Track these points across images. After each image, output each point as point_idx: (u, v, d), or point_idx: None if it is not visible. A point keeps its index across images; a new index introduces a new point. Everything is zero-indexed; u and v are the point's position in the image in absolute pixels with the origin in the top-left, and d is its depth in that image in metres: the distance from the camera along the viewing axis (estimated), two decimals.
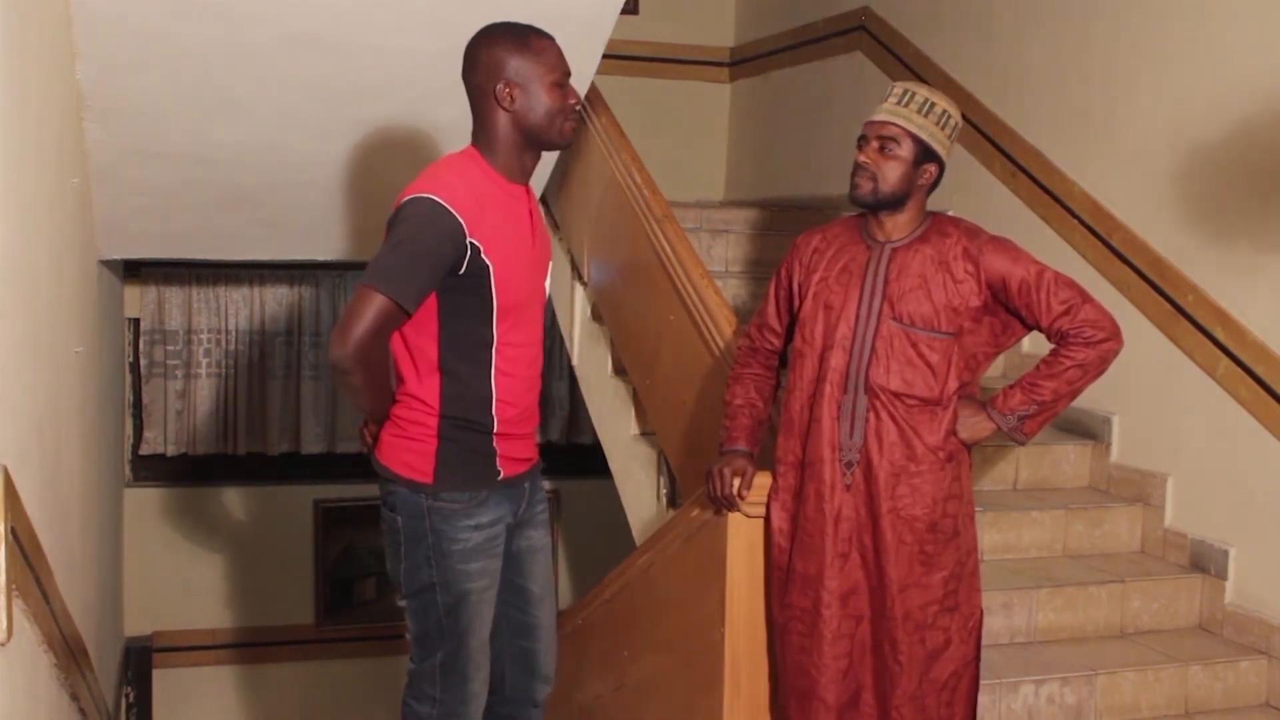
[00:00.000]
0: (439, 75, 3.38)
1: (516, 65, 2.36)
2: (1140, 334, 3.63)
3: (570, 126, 2.44)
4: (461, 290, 2.34)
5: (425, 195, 2.29)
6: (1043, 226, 4.04)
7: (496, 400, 2.43)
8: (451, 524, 2.41)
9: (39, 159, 2.29)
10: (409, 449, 2.42)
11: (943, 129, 2.56)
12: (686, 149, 6.20)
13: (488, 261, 2.32)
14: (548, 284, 2.60)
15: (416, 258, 2.28)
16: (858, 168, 2.59)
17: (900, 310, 2.55)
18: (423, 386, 2.40)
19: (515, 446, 2.50)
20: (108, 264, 4.46)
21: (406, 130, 3.63)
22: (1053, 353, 2.61)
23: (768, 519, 2.74)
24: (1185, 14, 3.59)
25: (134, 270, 5.75)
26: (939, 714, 2.58)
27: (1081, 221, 3.91)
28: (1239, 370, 3.33)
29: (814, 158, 5.56)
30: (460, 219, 2.28)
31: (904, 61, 4.87)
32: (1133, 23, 3.78)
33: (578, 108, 2.45)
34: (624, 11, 3.38)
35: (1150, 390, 3.64)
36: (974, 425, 2.60)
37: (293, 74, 3.24)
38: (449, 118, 3.57)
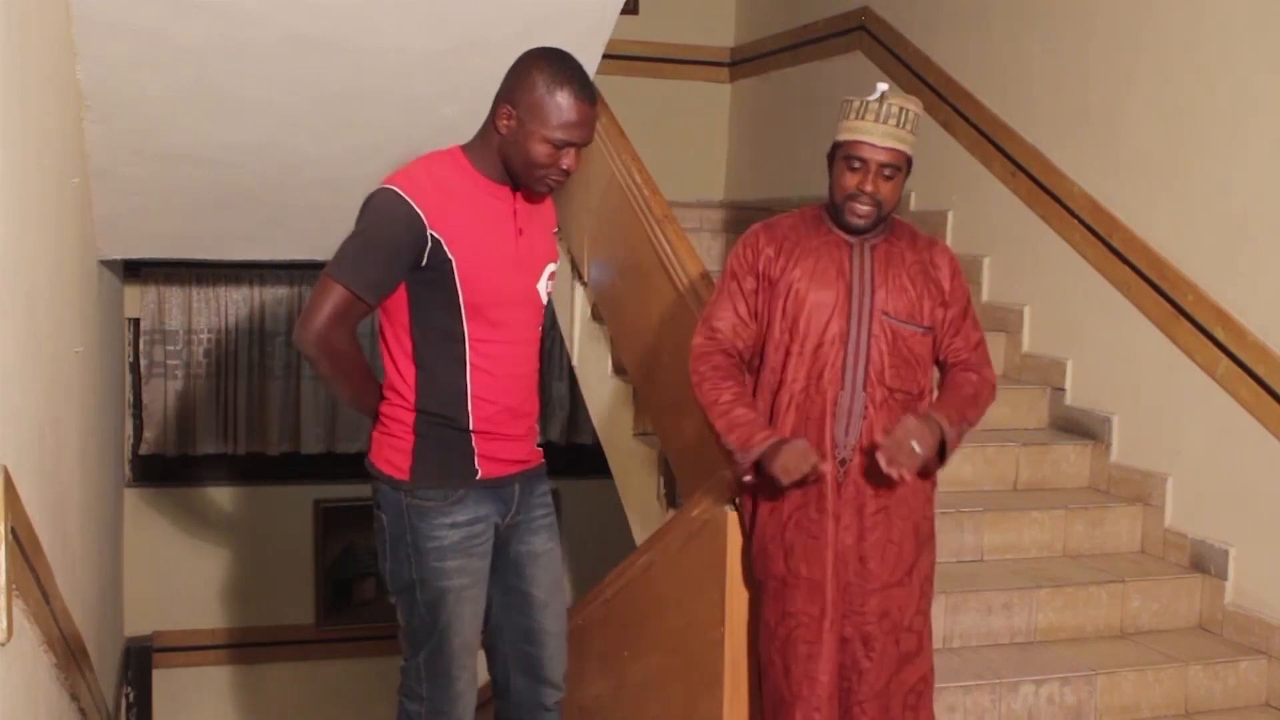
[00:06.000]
0: (439, 75, 3.38)
1: (530, 102, 2.26)
2: (1140, 334, 3.63)
3: (549, 185, 2.35)
4: (427, 283, 2.32)
5: (387, 186, 2.30)
6: (1043, 226, 4.04)
7: (472, 396, 2.38)
8: (427, 521, 2.38)
9: (39, 159, 2.29)
10: (389, 445, 2.41)
11: (917, 132, 2.49)
12: (686, 149, 6.20)
13: (451, 256, 2.29)
14: (544, 285, 2.49)
15: (372, 247, 2.29)
16: (861, 195, 2.47)
17: (890, 305, 2.53)
18: (401, 379, 2.38)
19: (499, 446, 2.44)
20: (108, 264, 4.46)
21: (406, 130, 3.63)
22: (959, 377, 2.57)
23: (751, 526, 2.65)
24: (1185, 14, 3.59)
25: (134, 270, 5.76)
26: (903, 717, 2.55)
27: (1081, 221, 3.91)
28: (1239, 370, 3.33)
29: (814, 158, 5.52)
30: (419, 211, 2.26)
31: (904, 61, 4.86)
32: (1133, 23, 3.78)
33: (569, 174, 2.34)
34: (624, 11, 3.38)
35: (1150, 390, 3.63)
36: (919, 432, 2.45)
37: (293, 74, 3.24)
38: (449, 117, 3.57)
